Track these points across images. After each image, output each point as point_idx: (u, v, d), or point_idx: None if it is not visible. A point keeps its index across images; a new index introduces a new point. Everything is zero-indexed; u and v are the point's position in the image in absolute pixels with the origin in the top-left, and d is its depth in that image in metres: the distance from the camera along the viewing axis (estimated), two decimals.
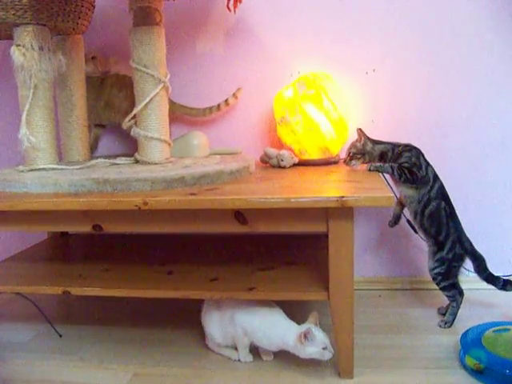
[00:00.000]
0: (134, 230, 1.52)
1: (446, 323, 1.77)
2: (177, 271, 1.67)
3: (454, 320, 1.77)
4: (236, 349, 1.60)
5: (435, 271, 1.77)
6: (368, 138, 1.81)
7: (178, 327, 1.80)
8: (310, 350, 1.46)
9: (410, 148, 1.78)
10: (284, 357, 1.57)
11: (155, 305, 1.98)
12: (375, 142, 1.81)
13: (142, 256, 1.87)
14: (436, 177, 1.78)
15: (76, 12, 1.77)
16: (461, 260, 1.77)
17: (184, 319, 1.72)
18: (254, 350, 1.59)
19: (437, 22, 1.97)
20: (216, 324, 1.60)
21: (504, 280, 1.77)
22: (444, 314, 1.82)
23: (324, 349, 1.45)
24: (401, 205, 1.84)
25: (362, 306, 1.94)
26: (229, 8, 1.85)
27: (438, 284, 1.78)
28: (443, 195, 1.77)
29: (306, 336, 1.44)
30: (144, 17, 1.71)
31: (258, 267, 1.67)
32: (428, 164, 1.77)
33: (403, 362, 1.56)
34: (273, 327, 1.53)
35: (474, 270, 1.79)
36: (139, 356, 1.65)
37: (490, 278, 1.77)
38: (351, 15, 2.00)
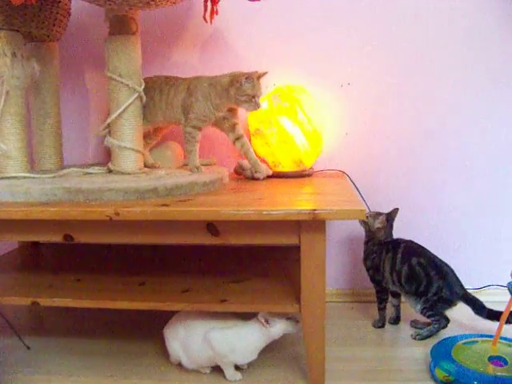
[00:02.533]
0: (106, 241, 1.50)
1: (418, 335, 1.79)
2: (149, 282, 1.66)
3: (427, 337, 1.78)
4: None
5: (421, 309, 1.79)
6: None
7: (150, 339, 1.78)
8: (276, 328, 1.49)
9: (378, 252, 1.86)
10: (255, 370, 1.57)
11: (127, 316, 1.95)
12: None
13: (113, 267, 1.85)
14: (397, 244, 1.84)
15: (51, 19, 1.76)
16: (447, 304, 1.77)
17: (156, 331, 1.70)
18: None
19: (412, 36, 2.01)
20: (180, 342, 1.58)
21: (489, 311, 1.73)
22: (416, 328, 1.85)
23: (288, 319, 1.49)
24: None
25: (334, 319, 1.95)
26: (205, 19, 1.85)
27: (425, 316, 1.79)
28: (413, 251, 1.82)
29: (265, 319, 1.48)
30: (120, 26, 1.71)
31: (230, 279, 1.66)
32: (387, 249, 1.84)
33: (374, 375, 1.57)
34: (244, 344, 1.53)
35: (473, 312, 1.75)
36: (109, 368, 1.63)
37: (491, 315, 1.71)
38: (327, 29, 2.02)
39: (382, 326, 1.88)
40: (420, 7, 1.99)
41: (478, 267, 2.09)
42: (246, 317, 1.56)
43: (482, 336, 1.65)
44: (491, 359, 1.49)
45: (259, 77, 1.72)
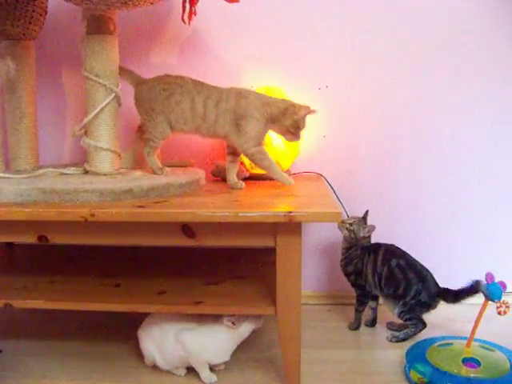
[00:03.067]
0: (81, 242, 1.49)
1: (394, 337, 1.81)
2: (124, 284, 1.65)
3: (403, 340, 1.80)
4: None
5: (399, 313, 1.80)
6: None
7: (126, 341, 1.77)
8: (244, 328, 1.52)
9: (361, 256, 1.88)
10: (230, 373, 1.57)
11: (102, 318, 1.93)
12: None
13: (89, 268, 1.83)
14: (377, 247, 1.87)
15: (27, 17, 1.74)
16: (425, 308, 1.80)
17: (130, 333, 1.69)
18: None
19: (390, 38, 2.02)
20: (155, 343, 1.58)
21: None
22: (392, 330, 1.87)
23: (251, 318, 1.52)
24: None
25: (310, 321, 1.95)
26: (183, 20, 1.84)
27: (402, 319, 1.81)
28: (393, 254, 1.84)
29: (231, 322, 1.50)
30: (97, 25, 1.69)
31: (205, 281, 1.66)
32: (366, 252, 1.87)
33: (349, 377, 1.58)
34: (216, 343, 1.53)
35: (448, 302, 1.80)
36: (84, 371, 1.62)
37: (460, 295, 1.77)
38: (306, 31, 2.03)
39: (358, 328, 1.90)
40: (400, 8, 2.01)
41: (453, 269, 2.11)
42: (220, 317, 1.55)
43: (456, 338, 1.66)
44: (465, 361, 1.51)
45: (310, 113, 1.68)
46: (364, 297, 1.89)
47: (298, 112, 1.65)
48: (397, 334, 1.82)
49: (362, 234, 1.86)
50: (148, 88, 1.69)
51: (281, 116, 1.66)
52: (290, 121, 1.66)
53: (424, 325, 1.80)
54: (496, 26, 2.00)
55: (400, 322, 1.84)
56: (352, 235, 1.86)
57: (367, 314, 1.93)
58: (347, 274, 1.91)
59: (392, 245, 1.88)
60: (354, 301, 1.92)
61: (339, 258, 1.94)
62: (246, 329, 1.53)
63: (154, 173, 1.71)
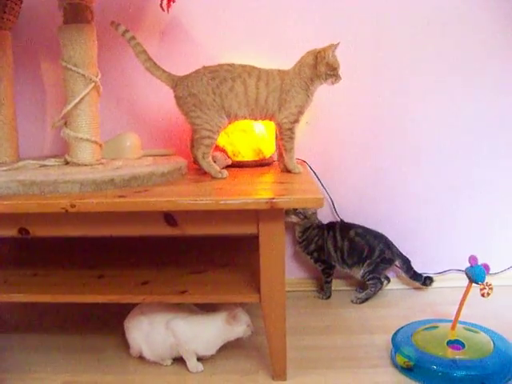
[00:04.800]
0: (62, 234, 1.47)
1: (358, 299, 2.00)
2: (107, 275, 1.64)
3: (366, 299, 2.00)
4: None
5: (363, 274, 2.00)
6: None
7: (110, 333, 1.76)
8: (239, 329, 1.53)
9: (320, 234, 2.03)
10: (216, 361, 1.57)
11: (86, 310, 1.93)
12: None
13: (71, 260, 1.82)
14: (332, 224, 2.06)
15: (1, 5, 1.71)
16: (389, 263, 2.01)
17: (116, 324, 1.68)
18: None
19: (373, 27, 2.03)
20: (142, 333, 1.57)
21: (425, 277, 2.07)
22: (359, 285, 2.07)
23: (248, 326, 1.53)
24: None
25: (295, 308, 1.96)
26: (162, 7, 1.82)
27: (365, 280, 1.98)
28: (348, 225, 2.04)
29: (235, 317, 1.51)
30: (74, 14, 1.67)
31: (190, 270, 1.65)
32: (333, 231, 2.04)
33: (336, 363, 1.58)
34: (206, 331, 1.53)
35: (402, 270, 2.04)
36: (69, 363, 1.61)
37: (414, 276, 2.06)
38: (289, 18, 2.02)
39: (329, 296, 2.06)
40: (375, 7, 2.01)
41: (438, 253, 2.13)
42: (209, 308, 1.56)
43: (441, 321, 1.67)
44: (450, 343, 1.52)
45: (336, 48, 1.69)
46: (329, 269, 2.05)
47: (325, 54, 1.67)
48: (359, 295, 1.99)
49: (310, 212, 1.98)
50: (192, 82, 1.65)
51: (314, 70, 1.68)
52: (323, 67, 1.68)
53: (388, 280, 2.09)
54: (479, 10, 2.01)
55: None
56: (301, 217, 1.97)
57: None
58: (309, 253, 2.03)
59: (342, 220, 2.09)
60: (338, 285, 2.11)
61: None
62: (237, 332, 1.53)
63: (213, 177, 1.67)
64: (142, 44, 1.67)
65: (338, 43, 1.67)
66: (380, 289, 2.01)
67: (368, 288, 2.00)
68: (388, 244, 2.01)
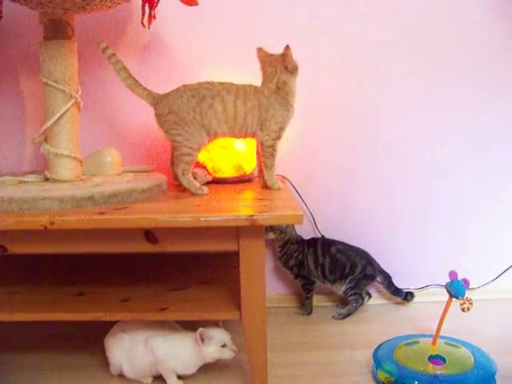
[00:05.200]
0: (41, 251, 1.45)
1: (339, 314, 2.00)
2: (87, 292, 1.62)
3: (347, 315, 2.00)
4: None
5: (345, 290, 2.00)
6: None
7: (90, 351, 1.75)
8: (210, 350, 1.49)
9: (300, 249, 2.03)
10: (197, 378, 1.56)
11: (65, 327, 1.90)
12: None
13: (50, 277, 1.80)
14: (314, 240, 2.05)
15: None
16: (370, 279, 2.02)
17: (96, 342, 1.66)
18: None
19: (353, 38, 2.05)
20: (123, 350, 1.56)
21: (406, 292, 2.08)
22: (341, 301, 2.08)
23: (223, 346, 1.49)
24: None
25: (276, 324, 1.95)
26: (143, 24, 1.83)
27: (347, 295, 1.99)
28: (330, 242, 2.04)
29: (201, 337, 1.47)
30: (55, 30, 1.67)
31: (170, 287, 1.64)
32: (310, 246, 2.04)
33: (317, 379, 1.57)
34: (185, 350, 1.52)
35: (383, 285, 2.05)
36: (48, 382, 1.59)
37: (395, 292, 2.07)
38: (268, 33, 2.04)
39: (310, 313, 2.05)
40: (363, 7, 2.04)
41: (418, 268, 2.14)
42: (191, 326, 1.55)
43: (422, 336, 1.68)
44: (431, 358, 1.53)
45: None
46: (309, 284, 2.05)
47: (287, 50, 1.69)
48: (341, 310, 2.00)
49: (284, 225, 1.99)
50: (173, 100, 1.65)
51: (287, 66, 1.70)
52: (291, 62, 1.70)
53: (369, 296, 2.08)
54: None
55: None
56: (278, 232, 1.99)
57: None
58: (289, 268, 2.04)
59: (324, 237, 2.10)
60: (319, 301, 2.12)
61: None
62: (211, 353, 1.50)
63: (193, 194, 1.66)
64: (122, 61, 1.67)
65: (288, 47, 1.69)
66: (361, 304, 2.02)
67: (349, 303, 2.01)
68: (369, 260, 2.03)
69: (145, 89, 1.69)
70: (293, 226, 2.02)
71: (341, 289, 2.00)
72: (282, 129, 1.70)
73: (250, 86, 1.71)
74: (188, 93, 1.65)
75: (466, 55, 2.06)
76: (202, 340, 1.48)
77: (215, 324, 1.53)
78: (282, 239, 2.00)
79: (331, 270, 1.99)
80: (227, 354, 1.51)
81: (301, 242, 2.04)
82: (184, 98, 1.64)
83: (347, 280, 1.99)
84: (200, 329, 1.48)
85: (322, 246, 2.02)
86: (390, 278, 2.05)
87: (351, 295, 1.99)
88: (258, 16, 2.03)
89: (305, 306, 2.06)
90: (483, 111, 2.09)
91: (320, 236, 2.10)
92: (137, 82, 1.68)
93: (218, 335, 1.50)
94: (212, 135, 1.67)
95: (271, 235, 1.99)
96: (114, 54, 1.66)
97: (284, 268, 2.05)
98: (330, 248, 2.01)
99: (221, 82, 1.69)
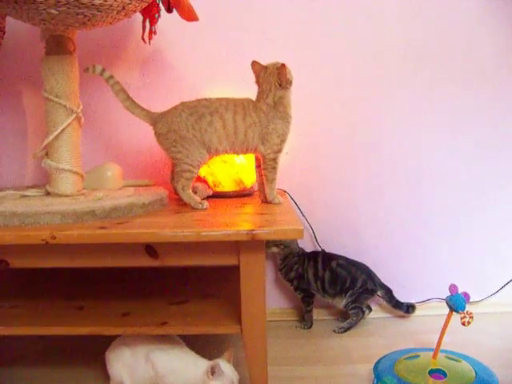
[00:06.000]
0: (43, 265, 1.45)
1: (340, 328, 2.00)
2: (87, 306, 1.62)
3: (348, 329, 2.00)
4: None
5: (345, 304, 2.00)
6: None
7: (90, 365, 1.74)
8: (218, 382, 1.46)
9: (300, 262, 2.04)
10: None
11: (66, 341, 1.89)
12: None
13: (51, 291, 1.80)
14: (315, 254, 2.06)
15: None
16: (371, 294, 2.02)
17: (96, 356, 1.66)
18: None
19: (349, 47, 2.07)
20: (124, 364, 1.56)
21: (407, 305, 2.08)
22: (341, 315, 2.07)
23: None
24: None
25: (277, 338, 1.95)
26: (144, 39, 1.84)
27: (348, 310, 1.99)
28: (330, 256, 2.05)
29: (213, 371, 1.44)
30: (56, 46, 1.68)
31: (170, 301, 1.64)
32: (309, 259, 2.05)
33: None
34: (186, 366, 1.51)
35: (384, 299, 2.06)
36: None
37: (396, 305, 2.07)
38: (268, 46, 2.05)
39: (310, 326, 2.05)
40: (355, 12, 2.05)
41: (419, 282, 2.14)
42: (191, 339, 1.56)
43: (423, 350, 1.68)
44: (431, 372, 1.52)
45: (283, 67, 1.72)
46: (309, 297, 2.05)
47: (282, 65, 1.69)
48: (341, 324, 2.00)
49: (289, 240, 2.00)
50: (172, 119, 1.66)
51: (282, 78, 1.70)
52: (288, 73, 1.70)
53: (363, 313, 2.03)
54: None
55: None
56: (282, 247, 2.00)
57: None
58: (289, 280, 2.04)
59: (325, 251, 2.10)
60: (320, 315, 2.11)
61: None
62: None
63: (193, 208, 1.66)
64: (120, 83, 1.68)
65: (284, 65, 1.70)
66: (362, 318, 2.02)
67: (350, 317, 2.01)
68: (370, 275, 2.03)
69: (143, 109, 1.70)
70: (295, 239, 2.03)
71: (341, 303, 2.00)
72: (283, 141, 1.71)
73: (248, 101, 1.71)
74: (186, 111, 1.66)
75: (460, 61, 2.08)
76: (212, 373, 1.45)
77: (228, 357, 1.52)
78: (284, 253, 2.02)
79: (331, 284, 1.99)
80: None
81: (302, 255, 2.05)
82: (183, 116, 1.65)
83: (347, 294, 1.99)
84: (215, 361, 1.47)
85: (323, 259, 2.02)
86: (391, 291, 2.05)
87: (352, 309, 1.99)
88: (258, 31, 2.05)
89: (305, 319, 2.06)
90: (485, 119, 2.11)
91: (320, 250, 2.11)
92: (135, 102, 1.70)
93: (229, 374, 1.47)
94: (213, 152, 1.68)
95: (274, 249, 2.00)
96: (111, 77, 1.68)
97: (284, 280, 2.06)
98: (331, 262, 2.01)
99: (218, 98, 1.70)
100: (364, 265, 2.05)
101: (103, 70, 1.67)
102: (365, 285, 2.00)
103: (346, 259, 2.04)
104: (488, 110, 2.09)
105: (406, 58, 2.06)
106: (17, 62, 2.07)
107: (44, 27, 1.63)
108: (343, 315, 2.08)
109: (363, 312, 2.02)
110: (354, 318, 2.00)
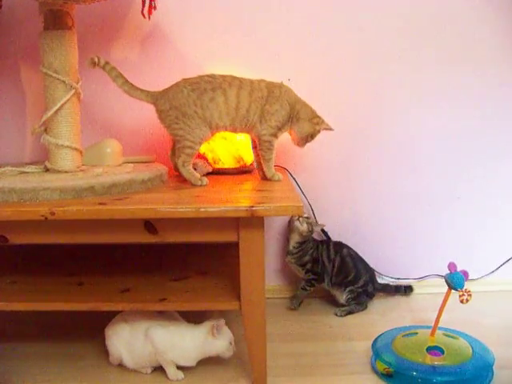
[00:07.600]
0: (42, 241, 1.46)
1: (342, 311, 1.97)
2: (87, 282, 1.63)
3: (349, 313, 1.97)
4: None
5: (346, 299, 1.99)
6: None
7: (89, 340, 1.75)
8: (219, 343, 1.51)
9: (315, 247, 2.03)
10: (196, 369, 1.56)
11: (64, 317, 1.91)
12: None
13: (50, 267, 1.80)
14: (327, 241, 2.06)
15: None
16: (369, 297, 2.03)
17: (95, 331, 1.67)
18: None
19: (353, 34, 2.04)
20: (124, 340, 1.57)
21: (404, 286, 2.10)
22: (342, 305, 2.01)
23: (230, 344, 1.52)
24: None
25: (276, 315, 1.96)
26: (143, 14, 1.82)
27: (349, 305, 1.98)
28: (342, 244, 2.04)
29: (218, 328, 1.49)
30: (55, 20, 1.66)
31: (169, 277, 1.65)
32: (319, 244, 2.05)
33: (316, 370, 1.58)
34: (184, 342, 1.53)
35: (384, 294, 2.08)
36: (46, 373, 1.60)
37: (395, 291, 2.10)
38: (269, 23, 2.03)
39: (299, 306, 2.04)
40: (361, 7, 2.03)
41: (417, 258, 2.15)
42: (193, 316, 1.56)
43: (421, 327, 1.69)
44: (429, 349, 1.54)
45: (328, 129, 1.77)
46: (316, 280, 2.01)
47: (321, 124, 1.74)
48: (343, 308, 1.98)
49: (316, 229, 2.01)
50: (173, 95, 1.65)
51: (306, 120, 1.72)
52: (311, 129, 1.73)
53: (364, 306, 2.01)
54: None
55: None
56: (310, 229, 1.96)
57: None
58: (302, 264, 2.01)
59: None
60: (319, 292, 2.08)
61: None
62: (218, 347, 1.51)
63: (193, 185, 1.67)
64: (117, 68, 1.68)
65: (332, 129, 1.76)
66: (364, 309, 2.01)
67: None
68: (372, 278, 2.04)
69: (142, 90, 1.70)
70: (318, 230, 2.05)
71: (342, 297, 1.99)
72: (279, 129, 1.71)
73: (260, 80, 1.72)
74: (188, 87, 1.65)
75: (457, 55, 2.07)
76: (219, 331, 1.50)
77: (219, 318, 1.54)
78: (304, 238, 1.98)
79: (338, 270, 1.98)
80: (229, 353, 1.53)
81: (314, 241, 2.04)
82: (184, 92, 1.64)
83: (347, 289, 1.98)
84: (221, 320, 1.50)
85: (334, 245, 2.03)
86: (390, 286, 2.09)
87: (352, 303, 1.98)
88: (261, 7, 2.02)
89: (296, 297, 2.05)
90: (488, 111, 2.10)
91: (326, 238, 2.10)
92: (133, 85, 1.70)
93: (228, 331, 1.53)
94: (214, 128, 1.67)
95: (304, 226, 1.96)
96: (107, 63, 1.68)
97: (294, 265, 2.02)
98: (343, 249, 2.01)
99: (223, 74, 1.69)
100: (370, 267, 2.05)
101: (98, 59, 1.66)
102: (365, 286, 1.99)
103: (357, 253, 2.04)
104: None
105: (414, 48, 2.05)
106: (15, 37, 2.05)
107: (42, 1, 1.61)
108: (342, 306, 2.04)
109: (364, 305, 2.01)
110: (358, 307, 1.98)
